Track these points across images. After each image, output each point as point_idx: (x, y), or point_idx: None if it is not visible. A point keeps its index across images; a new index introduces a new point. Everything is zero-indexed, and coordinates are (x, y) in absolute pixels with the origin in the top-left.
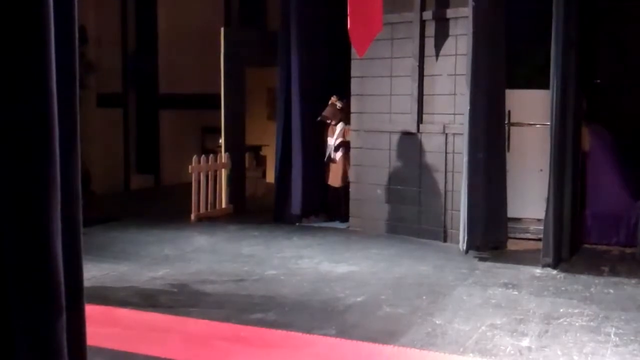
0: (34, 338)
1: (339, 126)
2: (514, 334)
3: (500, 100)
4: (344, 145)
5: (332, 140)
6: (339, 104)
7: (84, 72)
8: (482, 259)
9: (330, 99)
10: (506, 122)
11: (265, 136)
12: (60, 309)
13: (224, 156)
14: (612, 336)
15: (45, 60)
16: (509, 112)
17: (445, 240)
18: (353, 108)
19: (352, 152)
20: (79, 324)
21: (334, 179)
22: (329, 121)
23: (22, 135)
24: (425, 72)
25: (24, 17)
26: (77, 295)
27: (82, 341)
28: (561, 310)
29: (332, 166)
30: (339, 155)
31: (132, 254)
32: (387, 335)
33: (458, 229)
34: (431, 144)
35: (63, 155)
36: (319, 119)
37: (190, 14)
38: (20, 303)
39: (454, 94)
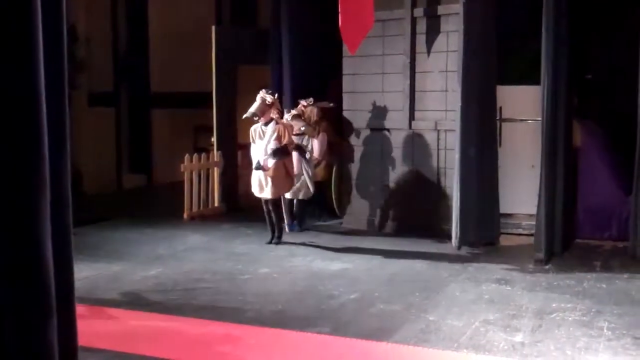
0: (24, 339)
1: (270, 126)
2: (508, 329)
3: (492, 97)
4: (283, 150)
5: (263, 143)
6: (268, 99)
7: (74, 71)
8: (474, 255)
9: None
10: (498, 118)
11: None
12: (51, 310)
13: (216, 155)
14: (605, 330)
15: (33, 60)
16: (501, 108)
17: (438, 237)
18: (345, 105)
19: (346, 150)
20: (69, 325)
21: (263, 190)
22: (256, 118)
23: (10, 135)
24: (417, 69)
25: (11, 16)
26: (67, 296)
27: (73, 342)
28: (554, 305)
29: (260, 174)
30: (271, 161)
31: (124, 254)
32: (381, 332)
33: (451, 226)
34: (423, 140)
35: (52, 155)
36: (245, 116)
37: (182, 13)
38: (10, 304)
39: (446, 91)
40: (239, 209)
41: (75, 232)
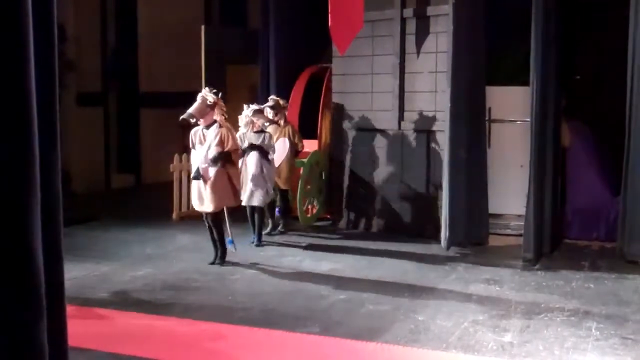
0: (14, 340)
1: (213, 129)
2: (496, 329)
3: (481, 97)
4: (226, 157)
5: (204, 149)
6: (210, 99)
7: (63, 71)
8: (463, 256)
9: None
10: (487, 118)
11: None
12: (41, 310)
13: None
14: (593, 330)
15: (24, 60)
16: (490, 108)
17: (427, 237)
18: (335, 105)
19: (335, 150)
20: (60, 326)
21: (203, 202)
22: (193, 120)
23: (1, 135)
24: (406, 70)
25: (2, 16)
26: (58, 297)
27: (64, 343)
28: (542, 305)
29: (199, 184)
30: (213, 170)
31: (113, 254)
32: (371, 332)
33: (440, 226)
34: (412, 141)
35: (43, 155)
36: (181, 118)
37: (171, 12)
38: None
39: (435, 91)
40: (228, 208)
41: (64, 232)
